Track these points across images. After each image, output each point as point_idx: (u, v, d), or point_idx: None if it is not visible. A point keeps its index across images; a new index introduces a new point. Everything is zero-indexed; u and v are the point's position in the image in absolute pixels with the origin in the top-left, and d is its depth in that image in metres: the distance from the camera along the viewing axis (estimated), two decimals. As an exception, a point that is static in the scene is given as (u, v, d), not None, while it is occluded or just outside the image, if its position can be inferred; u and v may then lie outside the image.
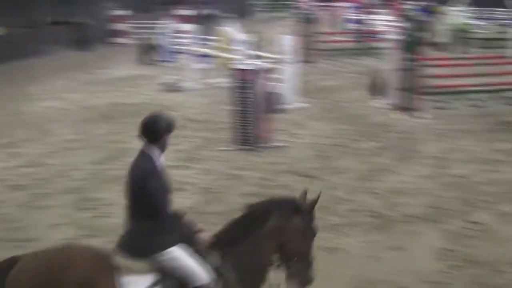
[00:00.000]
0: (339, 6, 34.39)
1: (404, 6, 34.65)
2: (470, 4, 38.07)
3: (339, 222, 8.46)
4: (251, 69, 11.87)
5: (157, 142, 4.46)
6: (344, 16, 30.56)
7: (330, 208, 8.86)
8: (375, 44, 23.92)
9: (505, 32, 27.78)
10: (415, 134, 13.13)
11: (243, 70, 11.88)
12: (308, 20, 22.87)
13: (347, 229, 8.25)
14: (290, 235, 4.72)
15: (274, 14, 43.66)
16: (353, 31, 28.07)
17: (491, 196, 9.40)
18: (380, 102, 15.57)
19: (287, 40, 15.78)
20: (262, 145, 11.99)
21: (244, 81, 11.81)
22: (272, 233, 4.69)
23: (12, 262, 4.35)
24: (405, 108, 14.65)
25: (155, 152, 4.47)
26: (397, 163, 11.08)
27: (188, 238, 4.60)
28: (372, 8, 39.83)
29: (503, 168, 10.79)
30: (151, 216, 4.41)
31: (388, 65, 15.60)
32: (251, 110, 11.90)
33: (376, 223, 8.45)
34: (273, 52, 16.05)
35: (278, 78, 14.66)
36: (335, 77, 20.29)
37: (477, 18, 40.51)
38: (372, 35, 27.39)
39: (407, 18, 26.19)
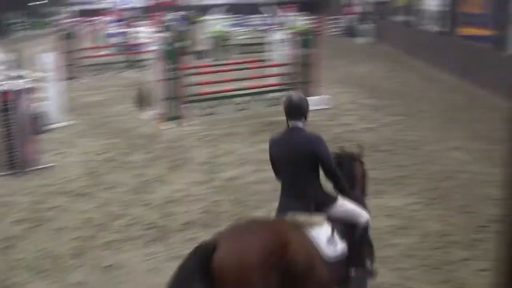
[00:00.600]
0: (100, 21, 33.99)
1: (164, 17, 35.31)
2: (227, 12, 39.92)
3: (116, 238, 8.32)
4: (12, 90, 11.19)
5: (305, 118, 5.53)
6: (106, 30, 30.20)
7: (105, 225, 8.71)
8: (138, 56, 24.04)
9: (262, 37, 29.51)
10: (184, 142, 13.34)
11: (3, 91, 11.17)
12: (69, 36, 22.21)
13: (125, 244, 8.12)
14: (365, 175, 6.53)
15: (34, 31, 42.18)
16: (116, 45, 27.90)
17: (262, 195, 9.81)
18: (147, 114, 15.60)
19: (48, 58, 15.19)
20: (30, 167, 11.35)
21: (6, 103, 11.11)
22: (362, 175, 6.42)
23: (212, 245, 4.47)
24: (172, 118, 14.86)
25: (304, 126, 5.52)
26: (169, 173, 11.20)
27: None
28: (133, 21, 39.91)
29: (270, 167, 11.35)
30: (318, 177, 5.40)
31: (152, 76, 15.71)
32: (15, 132, 11.20)
33: (153, 235, 8.41)
34: (34, 71, 15.38)
35: (41, 97, 14.10)
36: (100, 92, 19.97)
37: (235, 25, 42.60)
38: (134, 47, 27.41)
39: (168, 29, 26.66)
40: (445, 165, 11.22)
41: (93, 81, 21.92)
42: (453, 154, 12.00)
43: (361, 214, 5.56)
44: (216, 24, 27.70)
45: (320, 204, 5.34)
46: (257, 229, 4.75)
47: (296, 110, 5.49)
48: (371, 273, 5.82)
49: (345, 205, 5.47)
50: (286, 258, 4.58)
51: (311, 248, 4.98)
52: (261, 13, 41.96)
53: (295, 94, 5.68)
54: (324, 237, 5.15)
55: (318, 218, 5.24)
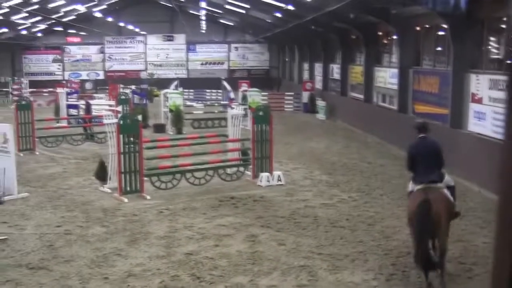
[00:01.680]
0: (56, 92, 34.07)
1: (123, 90, 35.64)
2: (183, 86, 40.43)
3: (74, 313, 8.22)
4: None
5: (428, 131, 10.00)
6: (62, 102, 30.34)
7: (63, 299, 8.61)
8: (96, 129, 24.13)
9: (219, 112, 30.09)
10: (143, 216, 13.36)
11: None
12: (25, 107, 22.17)
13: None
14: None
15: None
16: (73, 116, 28.03)
17: (220, 270, 9.85)
18: (105, 187, 15.65)
19: (3, 129, 15.21)
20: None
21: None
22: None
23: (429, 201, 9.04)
24: (131, 191, 14.90)
25: (428, 136, 9.97)
26: (128, 247, 11.13)
27: None
28: (91, 93, 40.20)
29: (228, 242, 11.47)
30: (441, 167, 9.65)
31: (110, 149, 15.81)
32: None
33: (112, 310, 8.35)
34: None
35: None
36: (57, 164, 20.00)
37: (193, 99, 43.24)
38: (92, 119, 27.60)
39: (125, 101, 27.00)
40: (402, 241, 11.42)
41: (49, 153, 21.97)
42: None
43: (452, 181, 9.92)
44: (173, 98, 28.13)
45: (441, 178, 9.57)
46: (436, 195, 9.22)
47: (425, 127, 9.97)
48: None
49: (447, 178, 9.74)
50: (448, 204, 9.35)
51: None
52: (218, 87, 42.70)
53: (420, 120, 10.81)
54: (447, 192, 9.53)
55: (442, 184, 9.50)
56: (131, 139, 14.78)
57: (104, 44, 62.37)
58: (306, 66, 46.98)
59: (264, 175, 16.42)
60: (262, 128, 16.71)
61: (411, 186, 9.87)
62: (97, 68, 62.59)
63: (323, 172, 18.51)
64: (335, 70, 37.89)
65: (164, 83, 49.50)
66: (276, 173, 16.69)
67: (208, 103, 36.76)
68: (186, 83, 51.10)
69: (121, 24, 58.33)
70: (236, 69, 63.24)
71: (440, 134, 19.53)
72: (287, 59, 57.08)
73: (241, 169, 17.14)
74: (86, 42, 61.92)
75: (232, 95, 35.26)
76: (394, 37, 26.46)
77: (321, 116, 34.58)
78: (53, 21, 53.16)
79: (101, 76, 61.66)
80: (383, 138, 24.75)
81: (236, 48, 63.20)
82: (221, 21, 58.93)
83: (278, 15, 38.07)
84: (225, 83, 37.92)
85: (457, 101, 19.29)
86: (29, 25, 52.14)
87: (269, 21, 43.65)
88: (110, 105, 30.01)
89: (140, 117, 15.95)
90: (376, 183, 16.79)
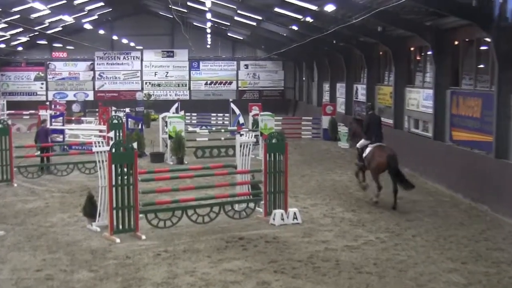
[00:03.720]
0: (39, 114, 34.07)
1: (115, 113, 35.56)
2: (185, 109, 40.54)
3: None
4: None
5: (375, 109, 25.19)
6: (45, 126, 30.33)
7: None
8: (83, 157, 24.01)
9: (228, 139, 29.93)
10: (138, 259, 13.23)
11: None
12: (2, 131, 21.93)
13: None
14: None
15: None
16: (57, 143, 27.92)
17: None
18: (94, 225, 15.56)
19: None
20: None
21: None
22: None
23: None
24: (124, 230, 14.73)
25: (376, 111, 26.32)
26: (120, 295, 11.01)
27: None
28: (78, 116, 40.14)
29: (237, 290, 11.32)
30: (381, 132, 20.06)
31: (100, 181, 15.70)
32: None
33: None
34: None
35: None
36: (39, 197, 19.93)
37: (196, 124, 43.25)
38: (79, 147, 27.61)
39: (118, 126, 26.93)
40: (439, 290, 11.26)
41: (29, 185, 21.94)
42: (448, 278, 12.07)
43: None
44: (174, 122, 28.00)
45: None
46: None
47: (373, 107, 21.90)
48: None
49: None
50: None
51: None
52: (226, 111, 42.69)
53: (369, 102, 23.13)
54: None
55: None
56: (125, 169, 14.71)
57: (94, 60, 62.71)
58: (326, 86, 47.11)
59: (277, 212, 16.27)
60: (275, 158, 16.58)
61: (362, 142, 19.50)
62: (86, 87, 62.68)
63: (346, 209, 18.36)
64: (360, 91, 38.01)
65: (163, 105, 49.67)
66: (292, 210, 16.53)
67: (214, 128, 36.71)
68: (188, 105, 51.27)
69: (114, 37, 58.97)
70: (246, 89, 63.57)
71: (483, 165, 19.47)
72: (304, 79, 57.30)
73: (251, 205, 16.98)
74: (74, 57, 62.43)
75: (241, 119, 35.26)
76: (429, 52, 26.48)
77: (343, 144, 34.38)
78: (36, 33, 53.35)
79: (91, 96, 61.61)
80: (416, 169, 24.55)
81: (246, 65, 63.59)
82: (229, 34, 59.24)
83: (295, 28, 38.25)
84: (233, 106, 37.99)
85: (502, 127, 19.24)
86: (8, 37, 52.44)
87: (284, 34, 43.78)
88: (101, 130, 30.02)
89: (135, 145, 15.84)
90: (407, 223, 16.62)
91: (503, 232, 15.47)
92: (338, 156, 31.05)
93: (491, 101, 19.94)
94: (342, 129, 35.24)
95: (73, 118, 39.88)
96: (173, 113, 32.24)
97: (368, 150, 19.03)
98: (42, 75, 62.77)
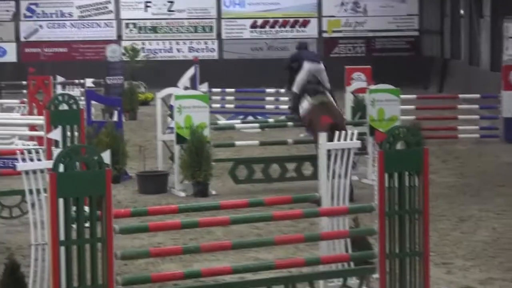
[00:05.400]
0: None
1: (62, 89, 26.49)
2: (202, 81, 37.81)
3: None
4: None
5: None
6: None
7: None
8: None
9: (302, 142, 21.84)
10: None
11: None
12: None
13: None
14: None
15: None
16: None
17: None
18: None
19: None
20: None
21: None
22: None
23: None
24: None
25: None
26: None
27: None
28: None
29: None
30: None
31: (32, 233, 9.79)
32: None
33: None
34: None
35: None
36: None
37: (234, 114, 36.37)
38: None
39: (71, 118, 18.54)
40: None
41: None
42: None
43: None
44: (188, 108, 18.29)
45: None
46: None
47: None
48: None
49: None
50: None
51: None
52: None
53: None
54: None
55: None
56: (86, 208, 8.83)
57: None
58: (510, 27, 27.39)
59: (410, 293, 9.85)
60: (403, 183, 10.06)
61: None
62: (3, 36, 38.80)
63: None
64: None
65: (163, 72, 29.23)
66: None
67: (272, 120, 22.28)
68: (217, 72, 34.84)
69: None
70: (338, 37, 39.79)
71: None
72: (462, 13, 33.64)
73: (353, 283, 10.97)
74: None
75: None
76: None
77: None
78: None
79: (11, 55, 39.17)
80: None
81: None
82: None
83: None
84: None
85: None
86: None
87: None
88: (33, 126, 21.09)
89: (106, 156, 9.14)
90: None
91: None
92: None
93: None
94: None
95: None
96: (186, 88, 21.70)
97: None
98: None
